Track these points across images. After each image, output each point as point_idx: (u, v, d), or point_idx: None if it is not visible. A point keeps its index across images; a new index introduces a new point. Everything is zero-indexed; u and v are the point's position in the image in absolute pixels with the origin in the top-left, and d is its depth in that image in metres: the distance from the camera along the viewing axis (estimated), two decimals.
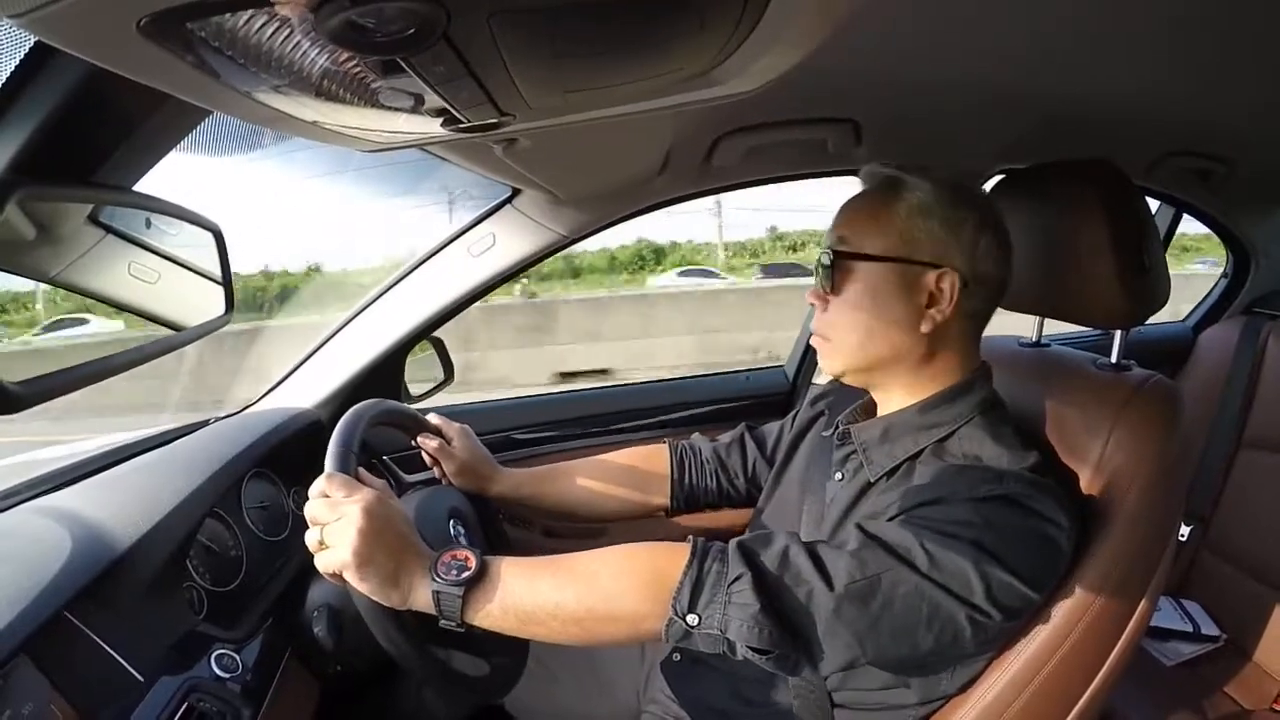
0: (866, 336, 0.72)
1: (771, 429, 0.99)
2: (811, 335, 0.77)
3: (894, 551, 0.60)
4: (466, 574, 0.61)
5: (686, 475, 0.97)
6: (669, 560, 0.62)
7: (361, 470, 0.68)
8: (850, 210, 0.75)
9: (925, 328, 0.70)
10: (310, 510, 0.63)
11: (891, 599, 0.59)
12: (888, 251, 0.70)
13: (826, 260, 0.72)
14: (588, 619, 0.61)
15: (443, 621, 0.62)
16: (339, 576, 0.61)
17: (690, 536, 0.64)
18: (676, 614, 0.60)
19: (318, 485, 0.64)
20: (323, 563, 0.62)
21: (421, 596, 0.61)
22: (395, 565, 0.61)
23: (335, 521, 0.61)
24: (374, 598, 0.61)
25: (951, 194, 0.70)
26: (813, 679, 0.73)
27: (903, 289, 0.70)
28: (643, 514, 0.99)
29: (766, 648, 0.59)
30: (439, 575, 0.61)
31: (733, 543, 0.63)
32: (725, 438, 1.00)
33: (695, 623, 0.59)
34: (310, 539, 0.63)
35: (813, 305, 0.75)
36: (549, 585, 0.62)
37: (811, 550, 0.61)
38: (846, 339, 0.73)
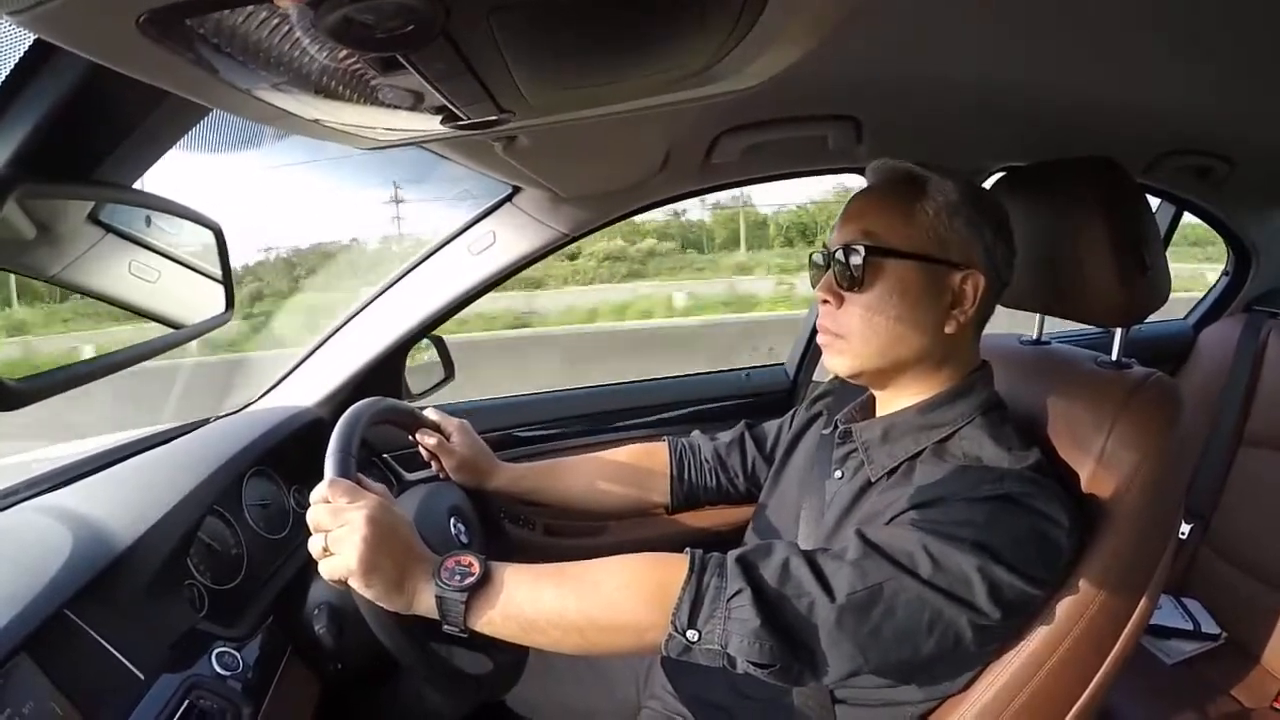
0: (892, 338, 0.69)
1: (770, 427, 0.99)
2: (817, 333, 0.75)
3: (895, 559, 0.59)
4: (470, 580, 0.61)
5: (686, 473, 0.97)
6: (674, 572, 0.61)
7: (361, 475, 0.68)
8: (876, 204, 0.72)
9: (949, 329, 0.69)
10: (313, 517, 0.63)
11: (893, 607, 0.58)
12: (919, 250, 0.68)
13: (855, 257, 0.68)
14: (589, 629, 0.61)
15: (446, 626, 0.61)
16: (343, 582, 0.61)
17: (688, 549, 0.63)
18: (676, 630, 0.59)
19: (319, 491, 0.64)
20: (327, 569, 0.62)
21: (425, 601, 0.61)
22: (400, 572, 0.61)
23: (339, 529, 0.61)
24: (379, 603, 0.61)
25: (975, 195, 0.70)
26: None
27: (931, 289, 0.68)
28: (642, 511, 0.99)
29: (767, 662, 0.58)
30: (442, 581, 0.61)
31: (731, 556, 0.62)
32: (725, 436, 1.00)
33: (695, 638, 0.59)
34: (314, 546, 0.63)
35: (826, 302, 0.72)
36: (552, 594, 0.61)
37: (812, 561, 0.61)
38: (869, 339, 0.70)
